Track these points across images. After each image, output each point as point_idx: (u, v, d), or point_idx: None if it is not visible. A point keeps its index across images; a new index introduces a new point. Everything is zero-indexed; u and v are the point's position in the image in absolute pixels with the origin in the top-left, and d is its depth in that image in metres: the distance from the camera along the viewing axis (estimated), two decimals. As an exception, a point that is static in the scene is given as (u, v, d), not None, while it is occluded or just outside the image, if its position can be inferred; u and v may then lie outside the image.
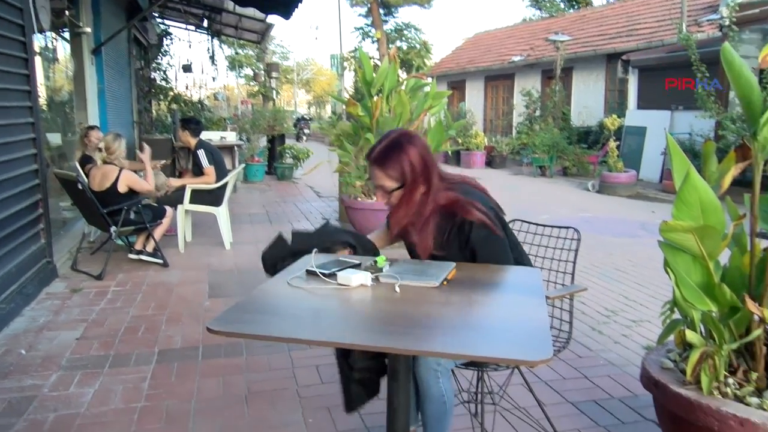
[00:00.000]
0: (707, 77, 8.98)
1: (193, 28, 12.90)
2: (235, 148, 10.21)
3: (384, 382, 2.26)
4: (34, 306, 4.11)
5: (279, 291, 1.72)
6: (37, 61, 5.30)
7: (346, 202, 6.23)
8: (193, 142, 5.83)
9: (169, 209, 5.44)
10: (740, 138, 7.94)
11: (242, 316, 1.53)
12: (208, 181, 5.71)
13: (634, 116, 12.26)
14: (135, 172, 5.24)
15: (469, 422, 2.53)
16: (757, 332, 1.87)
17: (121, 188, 4.92)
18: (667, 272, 2.00)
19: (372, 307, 1.62)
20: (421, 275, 1.76)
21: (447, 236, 2.04)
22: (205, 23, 12.33)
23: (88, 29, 7.35)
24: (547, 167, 12.75)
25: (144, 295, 4.41)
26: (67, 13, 6.83)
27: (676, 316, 2.13)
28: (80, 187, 4.74)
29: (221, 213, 5.83)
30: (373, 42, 26.73)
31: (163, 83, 13.45)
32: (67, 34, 7.26)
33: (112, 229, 4.90)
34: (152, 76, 12.91)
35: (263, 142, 12.36)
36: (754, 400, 1.82)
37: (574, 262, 2.41)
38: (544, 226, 2.59)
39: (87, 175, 5.06)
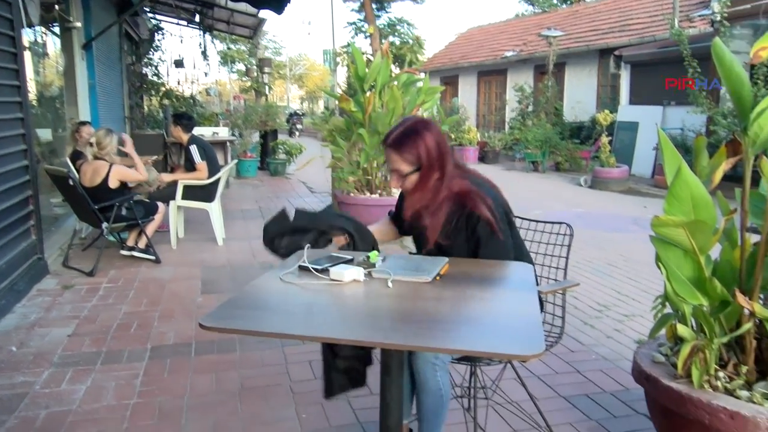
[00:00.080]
0: (699, 72, 9.02)
1: (184, 23, 12.82)
2: (228, 143, 10.17)
3: (371, 374, 2.28)
4: (25, 303, 4.09)
5: (271, 286, 1.72)
6: (27, 56, 5.27)
7: (339, 198, 6.22)
8: (185, 137, 5.81)
9: (161, 205, 5.42)
10: (731, 133, 7.99)
11: (235, 311, 1.52)
12: (199, 177, 5.68)
13: (627, 111, 12.30)
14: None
15: (462, 417, 2.54)
16: (747, 326, 1.88)
17: (112, 183, 4.89)
18: (659, 267, 2.01)
19: (364, 303, 1.62)
20: (414, 270, 1.76)
21: (455, 224, 2.05)
22: (197, 18, 12.26)
23: (79, 24, 7.29)
24: (539, 162, 12.78)
25: (136, 291, 4.40)
26: (56, 7, 6.77)
27: (668, 310, 2.14)
28: (71, 183, 4.71)
29: (214, 209, 5.81)
30: (365, 37, 26.65)
31: (155, 78, 13.38)
32: (57, 29, 7.21)
33: (104, 225, 4.87)
34: (144, 72, 12.84)
35: (256, 137, 12.32)
36: (744, 393, 1.84)
37: (567, 258, 2.42)
38: (537, 221, 2.60)
39: (78, 171, 5.03)
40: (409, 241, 2.23)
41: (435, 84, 17.75)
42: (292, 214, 2.17)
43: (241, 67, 29.33)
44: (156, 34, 13.35)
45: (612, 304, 4.19)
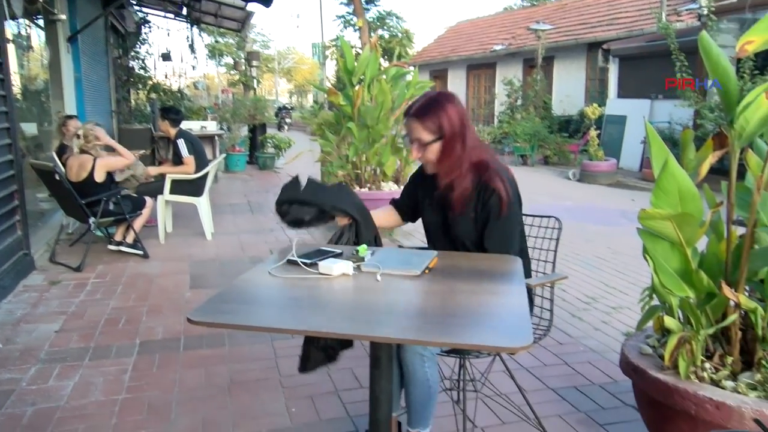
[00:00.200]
0: (686, 66, 9.07)
1: (171, 16, 12.70)
2: (216, 137, 10.11)
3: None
4: (11, 299, 4.05)
5: (260, 281, 1.71)
6: (10, 48, 5.19)
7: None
8: (173, 131, 5.77)
9: (148, 200, 5.38)
10: (718, 126, 8.06)
11: (223, 306, 1.52)
12: (186, 171, 5.65)
13: (615, 105, 12.36)
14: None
15: (451, 409, 2.55)
16: (733, 317, 1.90)
17: (99, 177, 4.85)
18: (646, 259, 2.02)
19: (353, 296, 1.61)
20: (403, 264, 1.76)
21: (469, 195, 2.08)
22: (184, 11, 12.14)
23: (63, 16, 7.20)
24: (528, 156, 12.82)
25: (124, 286, 4.37)
26: (41, -1, 6.69)
27: (655, 302, 2.16)
28: (57, 178, 4.66)
29: (202, 203, 5.78)
30: (354, 30, 26.54)
31: (142, 72, 13.25)
32: (41, 22, 7.11)
33: (91, 220, 4.84)
34: (131, 65, 12.71)
35: (244, 131, 12.26)
36: (730, 383, 1.86)
37: (555, 251, 2.43)
38: (526, 215, 2.60)
39: (64, 166, 4.98)
40: (399, 235, 2.25)
41: (424, 77, 17.72)
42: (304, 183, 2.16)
43: (229, 60, 29.13)
44: (143, 27, 13.20)
45: (600, 296, 4.22)
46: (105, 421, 2.53)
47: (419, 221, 2.43)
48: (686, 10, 11.89)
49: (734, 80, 1.89)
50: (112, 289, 4.29)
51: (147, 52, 13.70)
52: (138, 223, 5.23)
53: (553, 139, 12.76)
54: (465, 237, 2.13)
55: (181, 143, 5.67)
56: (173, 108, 6.27)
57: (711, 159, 1.99)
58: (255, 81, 14.05)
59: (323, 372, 2.98)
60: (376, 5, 28.23)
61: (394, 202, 2.45)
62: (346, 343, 2.10)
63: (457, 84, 19.56)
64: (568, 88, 14.80)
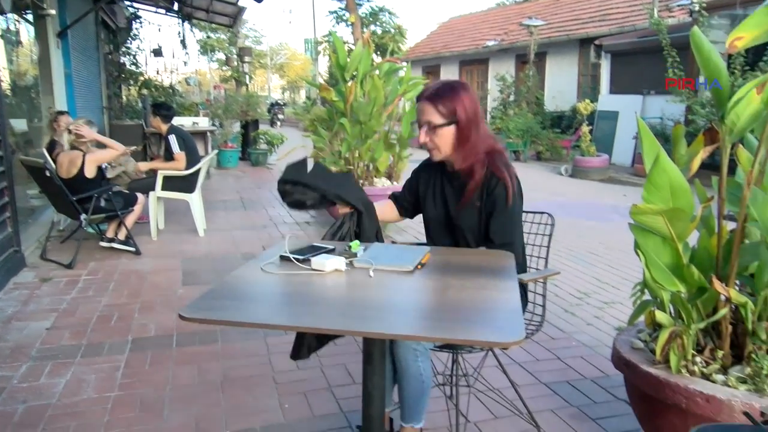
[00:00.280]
0: (677, 61, 9.10)
1: (163, 11, 12.62)
2: (208, 133, 10.07)
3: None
4: (1, 296, 4.02)
5: (252, 277, 1.71)
6: None
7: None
8: (164, 127, 5.74)
9: (140, 196, 5.36)
10: (709, 122, 8.10)
11: (215, 302, 1.51)
12: (177, 167, 5.62)
13: (607, 101, 12.40)
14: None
15: (444, 404, 2.55)
16: (723, 311, 1.91)
17: (89, 172, 4.82)
18: (638, 254, 2.03)
19: (346, 292, 1.61)
20: (395, 260, 1.76)
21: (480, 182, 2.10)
22: (176, 6, 12.08)
23: (53, 11, 7.13)
24: (520, 152, 12.84)
25: (116, 283, 4.35)
26: (30, -7, 6.63)
27: (646, 297, 2.17)
28: (48, 174, 4.63)
29: (194, 200, 5.75)
30: (347, 26, 26.48)
31: (133, 68, 13.17)
32: (30, 17, 7.05)
33: (83, 216, 4.81)
34: (122, 61, 12.63)
35: (237, 127, 12.22)
36: (720, 377, 1.87)
37: (548, 247, 2.44)
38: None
39: (54, 162, 4.95)
40: (392, 231, 2.25)
41: (417, 73, 17.71)
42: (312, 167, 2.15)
43: (221, 56, 29.01)
44: (133, 22, 13.12)
45: (592, 291, 4.24)
46: (97, 419, 2.52)
47: (415, 218, 2.43)
48: (678, 6, 11.93)
49: (725, 76, 1.90)
50: (104, 286, 4.27)
51: (138, 48, 13.72)
52: (130, 219, 5.21)
53: (545, 134, 12.79)
54: (467, 229, 2.14)
55: (173, 139, 5.64)
56: (164, 104, 6.25)
57: (702, 154, 1.99)
58: (247, 77, 13.98)
59: (316, 368, 2.99)
60: (368, 1, 28.17)
61: (394, 197, 2.45)
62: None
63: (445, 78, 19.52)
64: (560, 83, 14.83)
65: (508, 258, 1.90)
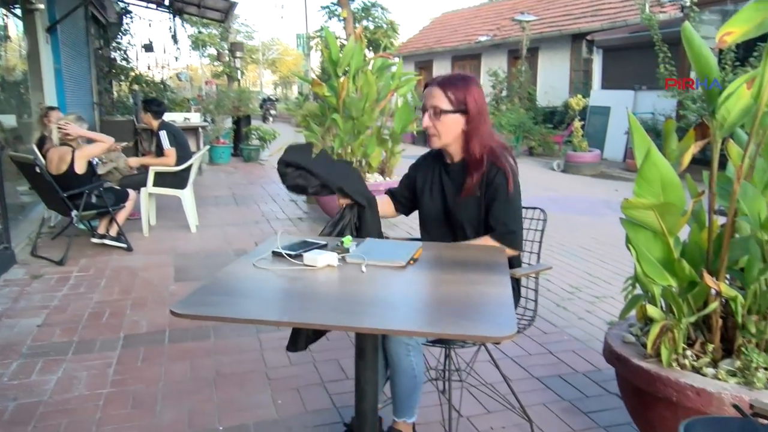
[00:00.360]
0: (669, 57, 9.14)
1: (153, 6, 12.53)
2: (200, 129, 10.02)
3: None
4: (-8, 293, 4.00)
5: (245, 273, 1.70)
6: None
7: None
8: (155, 123, 5.71)
9: (132, 192, 5.33)
10: (700, 117, 8.13)
11: (207, 298, 1.51)
12: (167, 163, 5.59)
13: (599, 96, 12.42)
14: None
15: (436, 399, 2.56)
16: (714, 305, 1.92)
17: (79, 168, 4.79)
18: (629, 248, 2.04)
19: (338, 288, 1.61)
20: (388, 255, 1.76)
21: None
22: (167, 1, 11.99)
23: (42, 6, 7.07)
24: (513, 147, 12.85)
25: (108, 280, 4.33)
26: (18, -12, 6.57)
27: (638, 291, 2.18)
28: (38, 170, 4.60)
29: (186, 196, 5.73)
30: (339, 21, 26.37)
31: (124, 63, 13.08)
32: (18, 11, 6.98)
33: (74, 213, 4.78)
34: (112, 56, 12.54)
35: (228, 123, 12.17)
36: (710, 370, 1.89)
37: (540, 242, 2.44)
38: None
39: (45, 158, 4.91)
40: (384, 226, 2.24)
41: (409, 69, 17.69)
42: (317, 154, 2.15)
43: (212, 51, 28.82)
44: (124, 17, 13.03)
45: (584, 286, 4.26)
46: (89, 416, 2.51)
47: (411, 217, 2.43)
48: (669, 1, 11.97)
49: (716, 71, 1.91)
50: (95, 283, 4.24)
51: (129, 43, 13.56)
52: (121, 215, 5.18)
53: (537, 130, 12.81)
54: (465, 221, 2.15)
55: (163, 135, 5.61)
56: (155, 100, 6.21)
57: (693, 149, 2.00)
58: (239, 72, 13.91)
59: (309, 363, 2.99)
60: (360, -4, 28.03)
61: (390, 193, 2.45)
62: None
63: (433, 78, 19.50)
64: (552, 79, 14.85)
65: (500, 253, 1.91)
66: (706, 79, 1.86)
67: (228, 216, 6.62)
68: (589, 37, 12.87)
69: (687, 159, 2.00)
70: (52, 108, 5.68)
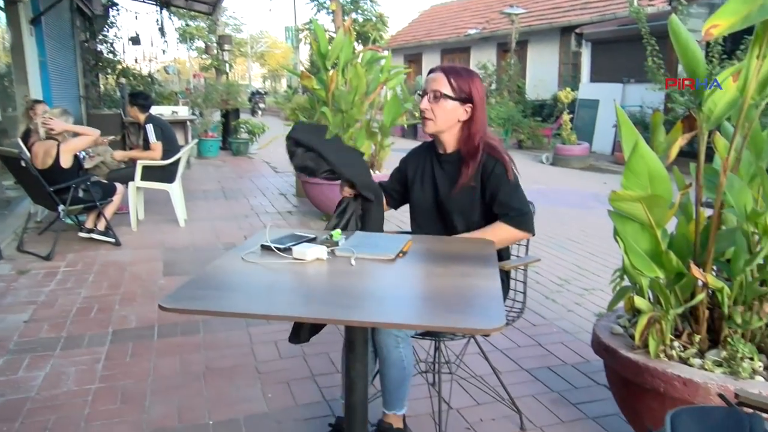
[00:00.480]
0: (656, 50, 9.18)
1: (140, -2, 12.41)
2: (188, 123, 9.95)
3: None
4: (-22, 289, 3.96)
5: (233, 267, 1.70)
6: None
7: (303, 177, 6.17)
8: (142, 117, 5.67)
9: (119, 186, 5.29)
10: (688, 110, 8.19)
11: (196, 292, 1.50)
12: (152, 156, 5.55)
13: (587, 89, 12.47)
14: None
15: (426, 391, 2.57)
16: (701, 296, 1.94)
17: (65, 163, 4.74)
18: (617, 241, 2.05)
19: (328, 281, 1.61)
20: (377, 248, 1.76)
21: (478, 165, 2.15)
22: (153, -7, 11.88)
23: (25, -3, 6.98)
24: (502, 140, 12.88)
25: (96, 275, 4.30)
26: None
27: (626, 283, 2.19)
28: (23, 164, 4.55)
29: (174, 190, 5.70)
30: (328, 14, 26.23)
31: (111, 56, 12.93)
32: (1, 2, 6.88)
33: (60, 207, 4.73)
34: (99, 49, 12.40)
35: (217, 116, 12.09)
36: (697, 361, 1.90)
37: (529, 233, 2.45)
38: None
39: (30, 151, 4.85)
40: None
41: (398, 62, 17.66)
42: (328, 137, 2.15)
43: (200, 44, 28.58)
44: (110, 9, 12.87)
45: (573, 278, 4.28)
46: (77, 411, 2.49)
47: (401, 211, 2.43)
48: (657, -6, 12.01)
49: (703, 64, 1.91)
50: (83, 278, 4.21)
51: (116, 36, 13.39)
52: (109, 210, 5.14)
53: (526, 123, 12.84)
54: (457, 212, 2.16)
55: (150, 129, 5.57)
56: (142, 93, 6.16)
57: (680, 141, 2.01)
58: (227, 65, 13.82)
59: (299, 357, 2.99)
60: (349, -12, 27.89)
61: (381, 186, 2.45)
62: None
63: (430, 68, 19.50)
64: (541, 72, 14.88)
65: (488, 246, 1.91)
66: (714, 81, 1.86)
67: (217, 210, 6.59)
68: (577, 30, 12.90)
69: (674, 151, 2.01)
70: (38, 101, 5.61)
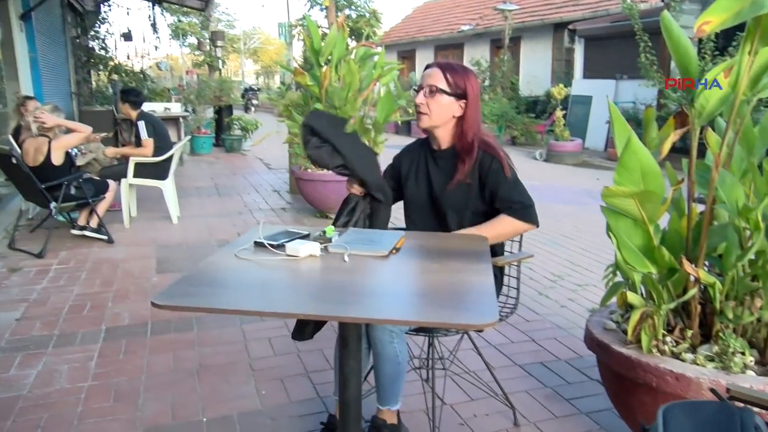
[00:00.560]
0: (649, 46, 9.20)
1: (132, -7, 12.32)
2: (181, 119, 9.91)
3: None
4: (-31, 286, 3.94)
5: (226, 263, 1.69)
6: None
7: (297, 174, 6.16)
8: (133, 114, 5.64)
9: (112, 183, 5.26)
10: (680, 106, 8.21)
11: (188, 289, 1.49)
12: (144, 153, 5.53)
13: (580, 85, 12.50)
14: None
15: (420, 387, 2.58)
16: (693, 292, 1.95)
17: (56, 160, 4.71)
18: (610, 236, 2.05)
19: (321, 277, 1.61)
20: (370, 244, 1.76)
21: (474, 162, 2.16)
22: (145, -11, 11.80)
23: (15, -8, 6.93)
24: (496, 137, 12.90)
25: (89, 272, 4.28)
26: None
27: (618, 278, 2.20)
28: (14, 161, 4.51)
29: (167, 186, 5.67)
30: (321, 10, 26.14)
31: (103, 53, 12.85)
32: (-9, -2, 6.82)
33: (52, 205, 4.70)
34: (90, 45, 12.31)
35: (210, 113, 12.04)
36: (689, 356, 1.91)
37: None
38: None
39: (21, 148, 4.82)
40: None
41: (392, 58, 17.63)
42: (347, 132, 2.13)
43: (193, 40, 28.46)
44: (102, 5, 12.78)
45: (566, 274, 4.30)
46: (70, 409, 2.48)
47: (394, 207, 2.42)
48: (650, -9, 12.03)
49: (695, 60, 1.92)
50: (75, 275, 4.19)
51: (107, 32, 13.30)
52: (101, 207, 5.11)
53: (520, 119, 12.85)
54: (451, 209, 2.17)
55: (142, 125, 5.54)
56: (133, 90, 6.12)
57: (672, 137, 2.02)
58: (220, 62, 13.74)
59: (293, 354, 2.98)
60: (342, -16, 27.79)
61: None
62: None
63: (425, 65, 19.48)
64: (534, 68, 14.90)
65: (482, 242, 1.91)
66: (682, 64, 1.87)
67: (210, 207, 6.57)
68: (570, 27, 12.92)
69: (667, 147, 2.02)
70: (29, 98, 5.57)
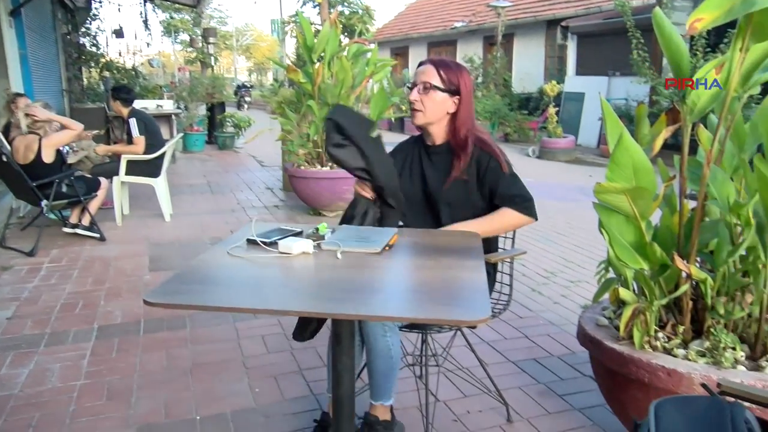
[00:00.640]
0: (642, 43, 9.23)
1: (123, -10, 12.25)
2: (173, 116, 9.87)
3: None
4: (-41, 285, 3.91)
5: (219, 261, 1.69)
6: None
7: (290, 171, 6.15)
8: (125, 111, 5.61)
9: (104, 181, 5.24)
10: (672, 102, 8.24)
11: (181, 287, 1.49)
12: (135, 151, 5.50)
13: (573, 82, 12.53)
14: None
15: (413, 384, 2.58)
16: (684, 287, 1.96)
17: (47, 157, 4.68)
18: (602, 233, 2.06)
19: (314, 275, 1.61)
20: (363, 242, 1.75)
21: (470, 159, 2.17)
22: (136, -15, 11.72)
23: (4, -12, 6.87)
24: (489, 134, 12.91)
25: (80, 270, 4.26)
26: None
27: (611, 275, 2.21)
28: (4, 159, 4.48)
29: (159, 184, 5.65)
30: (314, 6, 26.07)
31: (94, 49, 12.76)
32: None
33: (43, 203, 4.68)
34: (81, 42, 12.23)
35: (202, 110, 12.00)
36: (681, 351, 1.92)
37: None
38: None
39: (10, 145, 4.78)
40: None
41: (385, 55, 17.61)
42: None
43: (185, 37, 28.37)
44: (93, 1, 12.70)
45: (558, 270, 4.31)
46: (62, 408, 2.47)
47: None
48: (642, -12, 12.06)
49: (686, 57, 1.92)
50: (67, 274, 4.17)
51: (98, 29, 13.27)
52: (93, 205, 5.09)
53: (513, 116, 12.87)
54: (445, 205, 2.18)
55: (133, 123, 5.52)
56: (124, 87, 6.09)
57: (664, 134, 2.02)
58: (212, 58, 13.70)
59: (286, 351, 2.98)
60: (335, -19, 27.71)
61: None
62: None
63: (418, 61, 19.46)
64: (527, 65, 14.92)
65: (474, 239, 1.91)
66: (673, 61, 1.87)
67: (203, 204, 6.55)
68: (563, 23, 12.95)
69: (658, 144, 2.02)
70: (19, 94, 5.53)
